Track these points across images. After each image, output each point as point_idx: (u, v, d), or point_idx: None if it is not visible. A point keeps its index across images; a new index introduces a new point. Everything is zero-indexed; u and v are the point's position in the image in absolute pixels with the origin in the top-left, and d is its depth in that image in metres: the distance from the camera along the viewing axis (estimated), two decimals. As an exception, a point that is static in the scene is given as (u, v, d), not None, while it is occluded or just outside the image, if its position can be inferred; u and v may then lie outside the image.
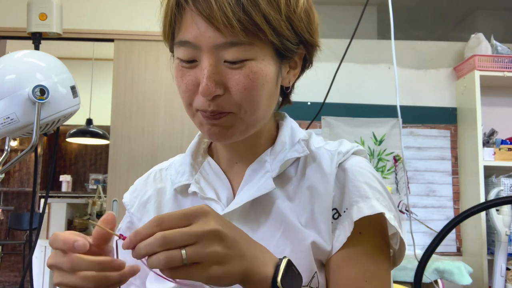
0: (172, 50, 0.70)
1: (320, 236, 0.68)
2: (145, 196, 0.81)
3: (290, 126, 0.77)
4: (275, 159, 0.73)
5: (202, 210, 0.52)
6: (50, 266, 0.54)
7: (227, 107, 0.65)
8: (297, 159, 0.74)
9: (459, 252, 3.13)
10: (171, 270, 0.50)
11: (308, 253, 0.66)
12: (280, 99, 0.78)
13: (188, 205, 0.76)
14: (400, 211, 2.93)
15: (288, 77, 0.72)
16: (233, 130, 0.68)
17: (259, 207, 0.71)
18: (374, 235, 0.69)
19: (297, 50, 0.69)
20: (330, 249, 0.68)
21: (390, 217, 0.67)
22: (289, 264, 0.57)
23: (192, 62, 0.65)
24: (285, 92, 0.76)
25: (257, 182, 0.71)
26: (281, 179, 0.73)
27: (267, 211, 0.71)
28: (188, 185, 0.76)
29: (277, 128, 0.78)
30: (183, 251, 0.49)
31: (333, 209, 0.69)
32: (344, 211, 0.69)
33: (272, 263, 0.57)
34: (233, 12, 0.60)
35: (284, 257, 0.58)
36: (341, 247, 0.67)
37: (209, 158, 0.79)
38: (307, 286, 0.65)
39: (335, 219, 0.69)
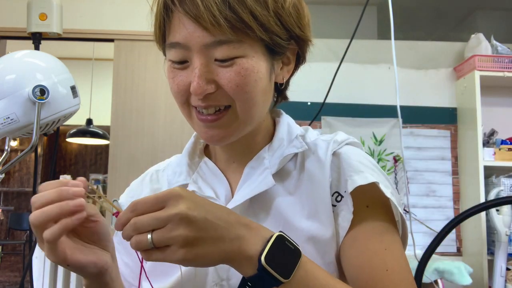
0: (165, 53, 0.70)
1: (321, 225, 0.68)
2: (141, 196, 0.80)
3: (287, 123, 0.78)
4: (274, 156, 0.73)
5: (172, 193, 0.52)
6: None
7: (222, 100, 0.65)
8: (296, 154, 0.74)
9: (459, 252, 3.13)
10: (144, 253, 0.51)
11: (309, 248, 0.66)
12: (275, 96, 0.78)
13: None
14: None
15: (282, 74, 0.72)
16: (230, 130, 0.68)
17: (258, 205, 0.71)
18: (381, 206, 0.69)
19: (288, 45, 0.69)
20: (330, 234, 0.67)
21: (384, 188, 0.67)
22: (281, 239, 0.55)
23: (183, 63, 0.66)
24: (280, 88, 0.76)
25: (256, 179, 0.71)
26: (280, 174, 0.73)
27: (266, 208, 0.71)
28: (185, 185, 0.75)
29: (274, 125, 0.78)
30: (149, 236, 0.50)
31: (334, 193, 0.70)
32: (345, 191, 0.69)
33: (262, 240, 0.55)
34: (220, 10, 0.60)
35: (280, 232, 0.56)
36: (354, 224, 0.67)
37: (206, 158, 0.79)
38: None
39: (338, 201, 0.69)
